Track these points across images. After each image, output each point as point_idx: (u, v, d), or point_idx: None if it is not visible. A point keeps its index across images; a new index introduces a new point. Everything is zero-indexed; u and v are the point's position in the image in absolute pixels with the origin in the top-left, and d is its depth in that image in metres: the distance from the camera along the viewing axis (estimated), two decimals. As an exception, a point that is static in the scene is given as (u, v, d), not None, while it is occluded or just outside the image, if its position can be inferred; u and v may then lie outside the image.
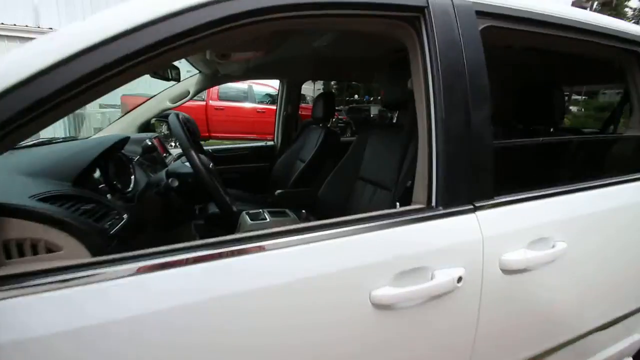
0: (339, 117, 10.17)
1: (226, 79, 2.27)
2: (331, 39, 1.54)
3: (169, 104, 2.05)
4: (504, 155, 0.88)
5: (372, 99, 14.38)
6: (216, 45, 0.96)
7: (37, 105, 0.51)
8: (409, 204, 0.88)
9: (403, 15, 0.82)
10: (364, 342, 0.70)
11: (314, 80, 9.00)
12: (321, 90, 11.67)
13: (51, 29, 8.16)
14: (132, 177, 1.16)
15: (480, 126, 0.82)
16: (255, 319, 0.61)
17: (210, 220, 1.43)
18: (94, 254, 0.67)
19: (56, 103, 0.52)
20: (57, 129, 7.67)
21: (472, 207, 0.81)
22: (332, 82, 13.17)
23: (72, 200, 0.74)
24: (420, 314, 0.74)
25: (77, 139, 1.93)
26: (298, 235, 0.65)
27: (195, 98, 7.54)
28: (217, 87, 7.39)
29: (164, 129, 2.18)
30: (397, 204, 0.80)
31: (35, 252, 0.67)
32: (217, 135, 7.48)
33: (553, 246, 0.90)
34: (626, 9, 15.79)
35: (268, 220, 1.68)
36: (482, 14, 0.86)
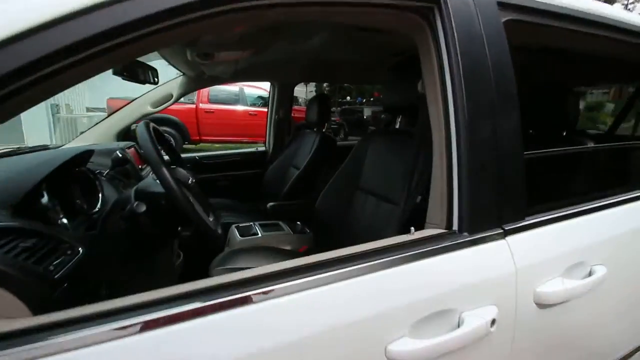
0: (332, 118, 10.07)
1: (213, 82, 2.11)
2: (325, 39, 1.40)
3: (150, 109, 1.89)
4: (530, 166, 0.75)
5: (364, 100, 14.32)
6: (196, 35, 0.81)
7: None
8: (420, 222, 0.75)
9: (414, 6, 0.68)
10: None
11: (307, 82, 8.90)
12: (314, 92, 11.60)
13: None
14: (100, 194, 1.00)
15: (510, 133, 0.69)
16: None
17: (195, 239, 1.28)
18: (34, 311, 0.52)
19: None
20: (42, 133, 7.43)
21: (501, 231, 0.68)
22: (325, 84, 13.05)
23: (9, 235, 0.59)
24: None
25: (48, 148, 1.77)
26: (291, 280, 0.51)
27: (185, 101, 7.33)
28: (207, 90, 7.21)
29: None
30: (412, 229, 0.66)
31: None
32: (208, 138, 7.30)
33: (591, 271, 0.78)
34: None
35: (260, 235, 1.54)
36: (504, 5, 0.73)
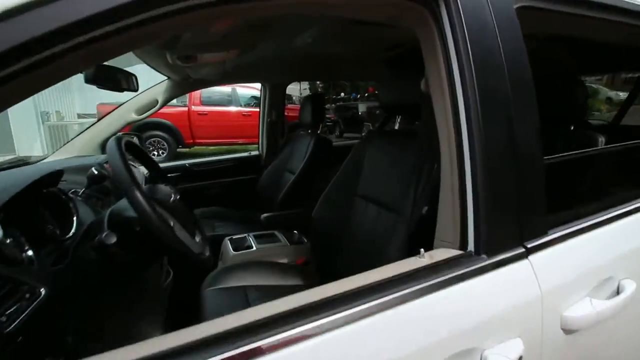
0: (327, 115, 9.97)
1: (200, 85, 2.01)
2: (315, 35, 1.31)
3: (134, 116, 1.79)
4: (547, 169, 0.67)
5: (359, 96, 14.22)
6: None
7: None
8: (427, 235, 0.67)
9: (415, -6, 0.60)
10: None
11: (299, 81, 8.78)
12: (307, 90, 11.48)
13: None
14: (74, 217, 0.91)
15: (528, 134, 0.61)
16: None
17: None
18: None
19: None
20: (33, 142, 7.28)
21: (523, 250, 0.59)
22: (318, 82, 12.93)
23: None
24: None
25: (28, 163, 1.67)
26: (286, 329, 0.42)
27: (177, 104, 7.18)
28: (199, 92, 7.09)
29: (134, 141, 1.91)
30: (422, 250, 0.57)
31: None
32: (202, 141, 7.19)
33: (620, 287, 0.70)
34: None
35: (254, 248, 1.45)
36: None
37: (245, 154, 2.40)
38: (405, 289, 0.49)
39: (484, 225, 0.57)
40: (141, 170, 1.15)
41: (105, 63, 1.22)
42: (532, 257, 0.60)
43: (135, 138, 2.01)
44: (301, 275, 1.24)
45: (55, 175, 0.84)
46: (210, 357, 0.38)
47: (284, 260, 1.39)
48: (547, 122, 1.22)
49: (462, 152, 0.59)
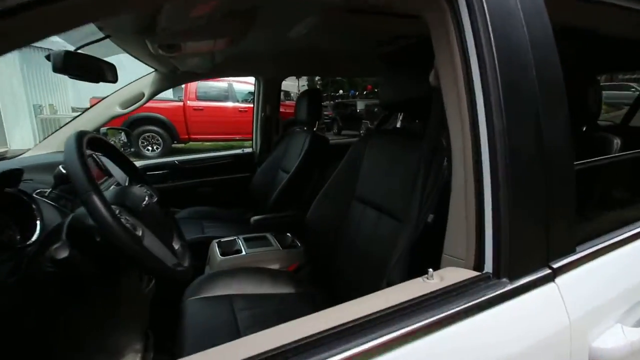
0: (325, 112, 9.87)
1: (189, 78, 1.90)
2: (311, 25, 1.21)
3: (119, 110, 1.68)
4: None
5: (357, 93, 14.12)
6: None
7: None
8: (431, 244, 0.59)
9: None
10: None
11: (294, 76, 8.66)
12: (306, 86, 11.37)
13: None
14: (37, 221, 0.81)
15: (558, 138, 0.52)
16: None
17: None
18: None
19: None
20: (25, 135, 7.13)
21: (550, 271, 0.51)
22: (317, 78, 12.82)
23: None
24: None
25: (5, 158, 1.56)
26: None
27: (172, 98, 7.06)
28: (195, 87, 6.97)
29: (122, 136, 1.80)
30: (430, 270, 0.48)
31: None
32: (198, 137, 7.07)
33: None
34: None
35: (244, 253, 1.36)
36: None
37: (239, 152, 2.30)
38: (412, 324, 0.40)
39: (505, 242, 0.48)
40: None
41: (83, 51, 1.12)
42: (559, 280, 0.51)
43: (122, 133, 1.91)
44: (292, 283, 1.15)
45: (12, 175, 0.74)
46: None
47: (276, 266, 1.29)
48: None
49: (480, 153, 0.50)
